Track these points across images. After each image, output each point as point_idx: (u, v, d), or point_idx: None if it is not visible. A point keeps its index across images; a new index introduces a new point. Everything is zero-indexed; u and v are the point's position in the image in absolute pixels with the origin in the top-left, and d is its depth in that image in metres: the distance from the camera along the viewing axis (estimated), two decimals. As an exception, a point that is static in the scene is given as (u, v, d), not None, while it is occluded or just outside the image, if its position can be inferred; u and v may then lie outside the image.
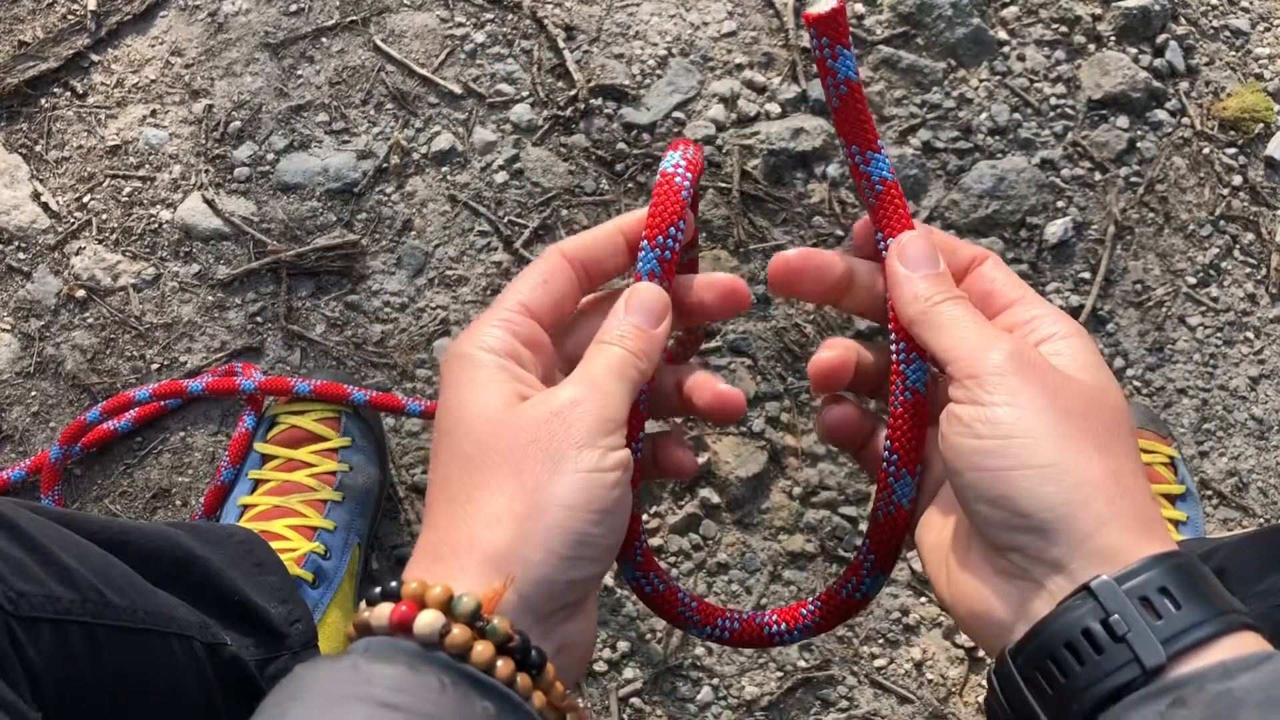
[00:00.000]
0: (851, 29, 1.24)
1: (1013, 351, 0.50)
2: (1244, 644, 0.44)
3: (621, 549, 0.56)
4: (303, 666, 0.45)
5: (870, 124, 0.55)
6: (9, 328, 1.18)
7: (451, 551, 0.48)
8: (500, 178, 1.21)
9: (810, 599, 0.59)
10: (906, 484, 0.54)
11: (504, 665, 0.45)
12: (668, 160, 0.55)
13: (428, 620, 0.45)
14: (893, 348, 0.55)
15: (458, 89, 1.23)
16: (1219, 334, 1.19)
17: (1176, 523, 1.07)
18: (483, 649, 0.45)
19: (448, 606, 0.46)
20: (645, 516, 1.12)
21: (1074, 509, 0.46)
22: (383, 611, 0.46)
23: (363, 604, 0.48)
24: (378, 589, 0.48)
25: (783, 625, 0.58)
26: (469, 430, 0.50)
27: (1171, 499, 1.09)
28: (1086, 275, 1.19)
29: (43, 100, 1.25)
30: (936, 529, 0.54)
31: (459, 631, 0.45)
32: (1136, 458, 0.50)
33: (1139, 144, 1.23)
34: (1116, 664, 0.44)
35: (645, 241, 0.55)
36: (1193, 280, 1.20)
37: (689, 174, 0.55)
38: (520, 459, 0.49)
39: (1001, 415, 0.48)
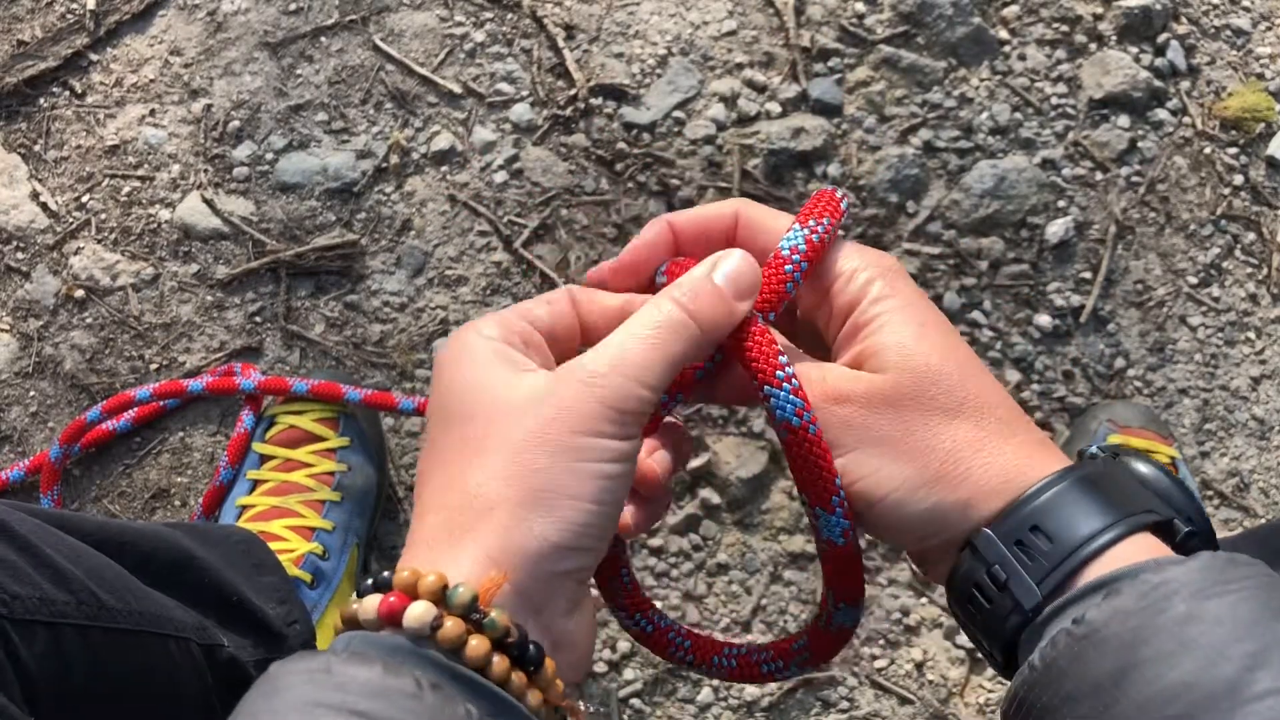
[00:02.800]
0: (852, 28, 1.24)
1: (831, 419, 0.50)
2: (1140, 546, 0.46)
3: (605, 584, 0.55)
4: (277, 666, 0.43)
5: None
6: (8, 328, 1.18)
7: (445, 539, 0.45)
8: (500, 177, 1.21)
9: (800, 632, 0.58)
10: (829, 520, 0.51)
11: (499, 661, 0.43)
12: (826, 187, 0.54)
13: (418, 613, 0.43)
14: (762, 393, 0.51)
15: (457, 88, 1.23)
16: (1220, 334, 1.19)
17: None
18: (477, 644, 0.43)
19: (442, 597, 0.43)
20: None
21: (941, 511, 0.49)
22: (370, 603, 0.44)
23: (353, 595, 0.46)
24: (369, 580, 0.45)
25: (779, 661, 0.57)
26: (464, 412, 0.47)
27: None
28: (1087, 275, 1.19)
29: (41, 100, 1.24)
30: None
31: (452, 625, 0.43)
32: (981, 400, 0.50)
33: (1140, 143, 1.22)
34: (1006, 610, 0.47)
35: (796, 223, 0.51)
36: (1194, 280, 1.20)
37: (844, 201, 0.53)
38: (520, 442, 0.46)
39: (844, 466, 0.50)
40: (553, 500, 0.45)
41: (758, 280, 0.50)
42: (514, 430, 0.46)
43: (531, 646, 0.45)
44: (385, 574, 0.45)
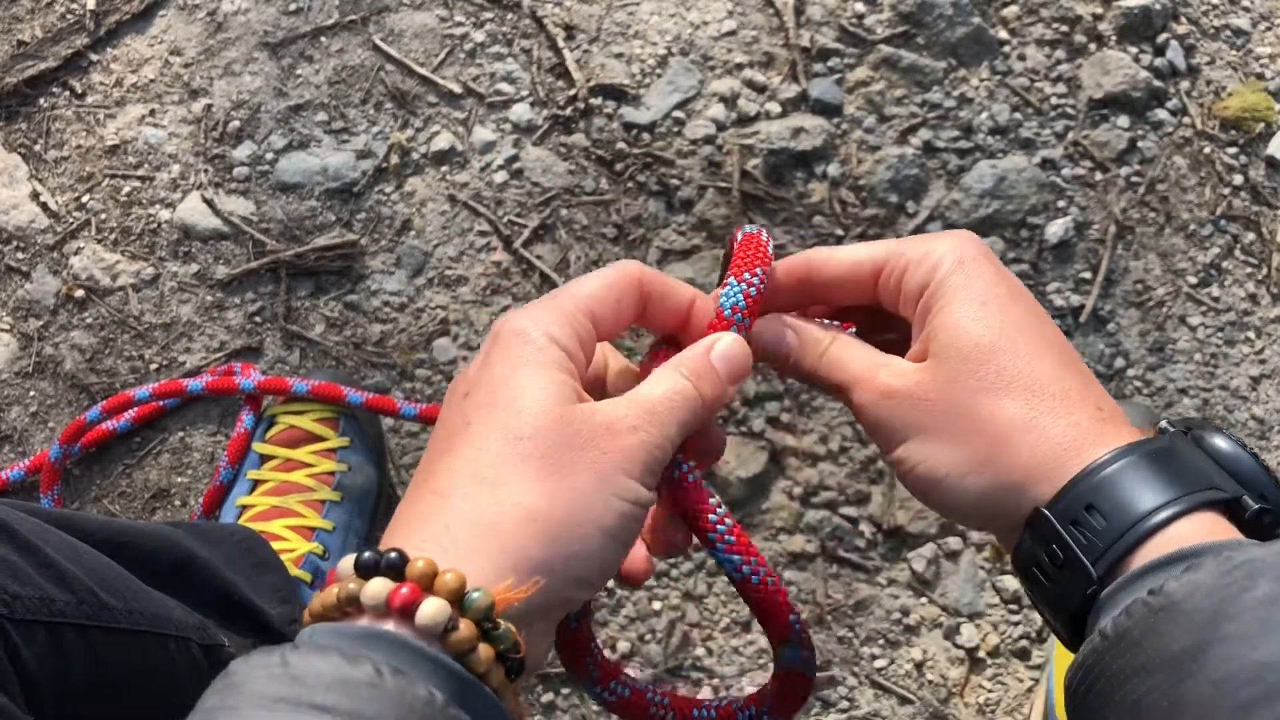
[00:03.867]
0: (852, 28, 1.24)
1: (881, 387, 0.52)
2: (1201, 523, 0.46)
3: (576, 662, 0.54)
4: (236, 662, 0.42)
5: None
6: (8, 327, 1.18)
7: (471, 533, 0.44)
8: (500, 177, 1.21)
9: (767, 684, 0.57)
10: (729, 560, 0.52)
11: (497, 673, 0.43)
12: (748, 229, 0.57)
13: (432, 611, 0.42)
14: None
15: (457, 88, 1.23)
16: (1220, 334, 1.19)
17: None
18: (484, 653, 0.42)
19: (459, 598, 0.42)
20: (645, 517, 1.12)
21: (996, 493, 0.50)
22: (379, 589, 0.42)
23: (345, 565, 0.44)
24: (368, 553, 0.43)
25: (751, 709, 0.56)
26: (522, 412, 0.47)
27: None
28: (1087, 275, 1.19)
29: (41, 100, 1.24)
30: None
31: (466, 630, 0.42)
32: (1033, 377, 0.50)
33: (1140, 143, 1.22)
34: (1064, 588, 0.48)
35: (731, 278, 0.54)
36: (1194, 280, 1.20)
37: (770, 245, 0.55)
38: (569, 463, 0.46)
39: (905, 454, 0.52)
40: (589, 532, 0.46)
41: (749, 364, 0.53)
42: (565, 449, 0.46)
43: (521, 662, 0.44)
44: (394, 554, 0.43)
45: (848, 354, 0.54)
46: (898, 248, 0.54)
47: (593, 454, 0.46)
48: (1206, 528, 0.46)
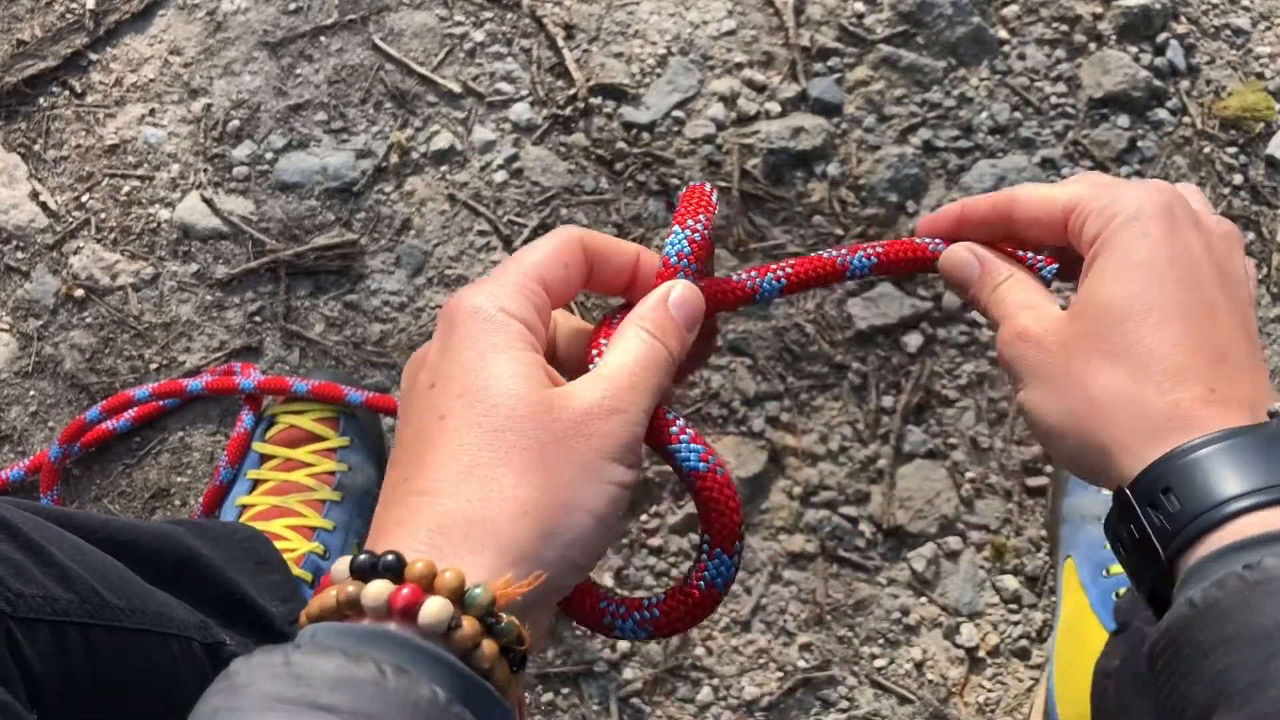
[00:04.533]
0: (852, 28, 1.24)
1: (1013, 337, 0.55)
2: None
3: (593, 621, 0.53)
4: (238, 662, 0.41)
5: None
6: (7, 327, 1.18)
7: (464, 531, 0.44)
8: (499, 177, 1.21)
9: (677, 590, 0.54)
10: (692, 451, 0.51)
11: (501, 668, 0.43)
12: (693, 183, 0.57)
13: (435, 610, 0.41)
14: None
15: (457, 88, 1.23)
16: (1220, 333, 1.19)
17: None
18: (488, 648, 0.42)
19: (459, 596, 0.42)
20: (645, 516, 1.12)
21: (1085, 452, 0.51)
22: (380, 591, 0.42)
23: (339, 569, 0.43)
24: (363, 556, 0.43)
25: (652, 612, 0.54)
26: (498, 403, 0.46)
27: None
28: (1087, 274, 1.19)
29: (41, 99, 1.24)
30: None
31: (469, 627, 0.42)
32: (1151, 350, 0.50)
33: (1140, 143, 1.22)
34: (1138, 565, 0.49)
35: (676, 226, 0.54)
36: (1193, 279, 1.20)
37: (713, 195, 0.56)
38: (553, 453, 0.46)
39: (1020, 397, 0.54)
40: (580, 518, 0.46)
41: (702, 309, 0.53)
42: (547, 439, 0.46)
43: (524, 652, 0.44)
44: (390, 556, 0.43)
45: (1013, 292, 0.57)
46: (1091, 191, 0.54)
47: (576, 443, 0.46)
48: None
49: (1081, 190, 0.55)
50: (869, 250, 0.59)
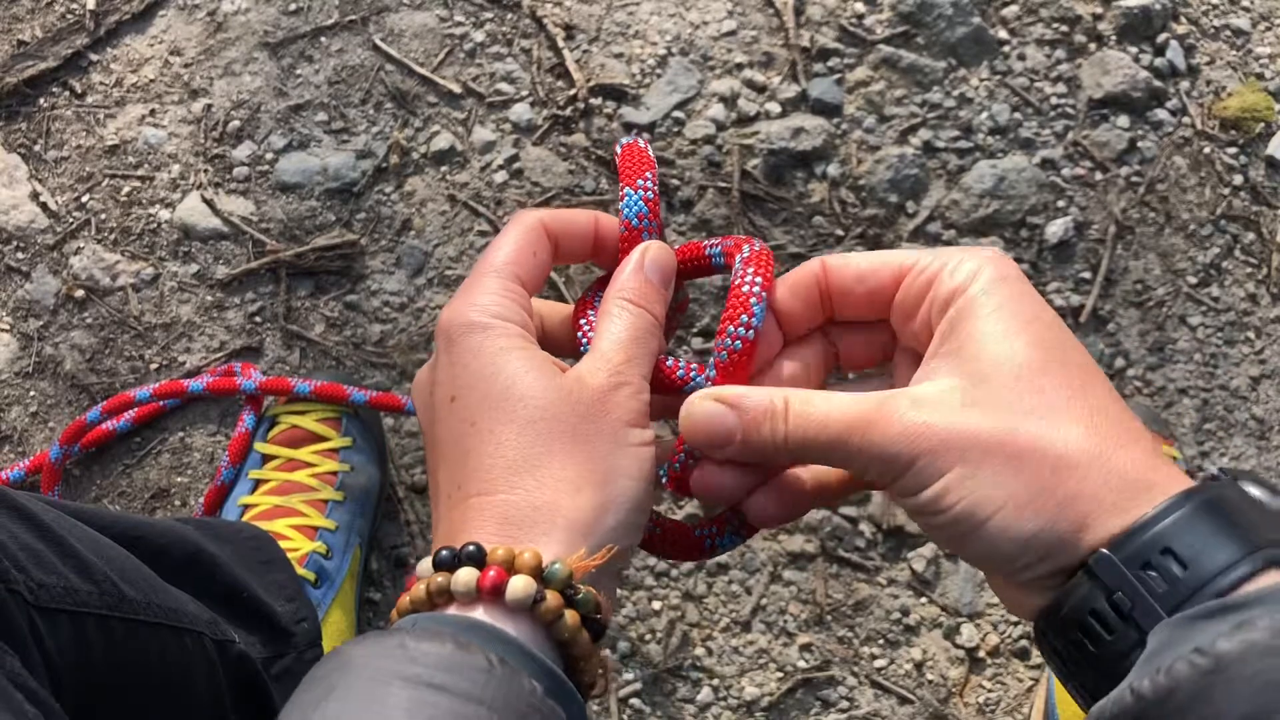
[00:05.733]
0: (852, 28, 1.24)
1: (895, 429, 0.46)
2: (1272, 582, 0.42)
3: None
4: (349, 644, 0.44)
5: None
6: (8, 328, 1.18)
7: (530, 518, 0.47)
8: (499, 177, 1.21)
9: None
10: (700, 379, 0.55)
11: (584, 637, 0.46)
12: (625, 140, 0.58)
13: (520, 586, 0.45)
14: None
15: (457, 88, 1.23)
16: (1220, 334, 1.19)
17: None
18: (571, 619, 0.46)
19: (539, 573, 0.45)
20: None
21: (1053, 532, 0.44)
22: (468, 577, 0.45)
23: (424, 566, 0.47)
24: (445, 551, 0.46)
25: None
26: (523, 398, 0.49)
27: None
28: (1087, 275, 1.19)
29: (41, 100, 1.24)
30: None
31: (553, 599, 0.45)
32: (1093, 399, 0.45)
33: (1140, 143, 1.23)
34: (1130, 642, 0.43)
35: (627, 188, 0.56)
36: (1193, 280, 1.20)
37: (649, 149, 0.57)
38: (584, 432, 0.49)
39: (944, 489, 0.45)
40: (623, 482, 0.49)
41: (674, 263, 0.55)
42: (575, 422, 0.49)
43: (602, 620, 0.48)
44: (470, 547, 0.46)
45: (830, 402, 0.48)
46: (925, 256, 0.49)
47: (599, 419, 0.49)
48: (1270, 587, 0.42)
49: (913, 254, 0.50)
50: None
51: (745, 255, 0.54)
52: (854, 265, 0.51)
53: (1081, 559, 0.44)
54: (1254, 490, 0.46)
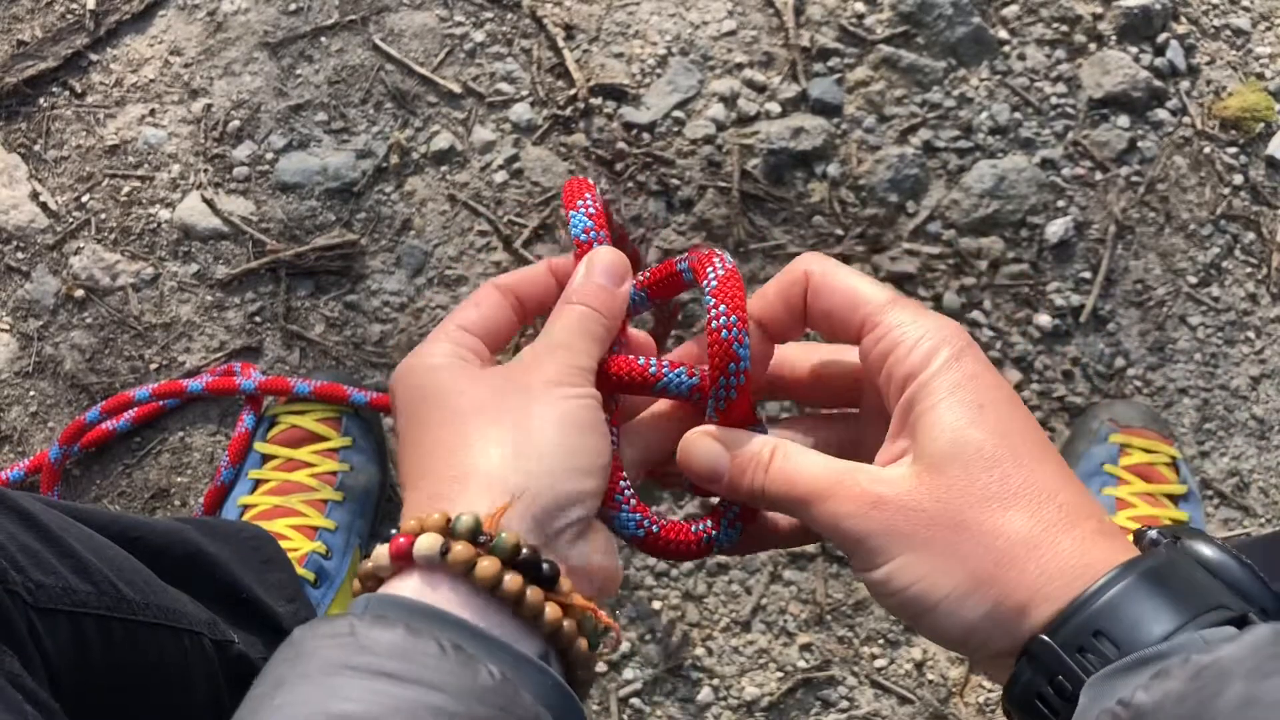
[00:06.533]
0: (852, 28, 1.24)
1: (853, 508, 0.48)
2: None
3: (606, 500, 0.55)
4: (301, 630, 0.45)
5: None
6: (8, 327, 1.18)
7: (451, 489, 0.48)
8: (500, 177, 1.21)
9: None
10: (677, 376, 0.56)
11: (511, 579, 0.45)
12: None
13: (426, 542, 0.45)
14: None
15: (457, 88, 1.23)
16: (1220, 334, 1.19)
17: (1178, 523, 1.07)
18: (488, 564, 0.45)
19: (446, 529, 0.46)
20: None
21: (996, 619, 0.45)
22: (381, 551, 0.46)
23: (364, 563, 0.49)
24: (377, 544, 0.48)
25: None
26: (454, 394, 0.51)
27: (1174, 499, 1.09)
28: (1087, 275, 1.19)
29: (41, 100, 1.24)
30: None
31: (461, 548, 0.45)
32: (1038, 487, 0.47)
33: (1140, 143, 1.23)
34: None
35: (571, 211, 0.58)
36: (1194, 280, 1.20)
37: (588, 179, 0.60)
38: (499, 404, 0.50)
39: (893, 572, 0.47)
40: (542, 428, 0.49)
41: (626, 265, 0.56)
42: (491, 398, 0.50)
43: (545, 565, 0.46)
44: (393, 530, 0.47)
45: (804, 462, 0.50)
46: (889, 315, 0.50)
47: (522, 391, 0.50)
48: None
49: (873, 303, 0.50)
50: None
51: (713, 285, 0.53)
52: (824, 299, 0.52)
53: (1024, 644, 0.45)
54: (1204, 549, 0.47)
